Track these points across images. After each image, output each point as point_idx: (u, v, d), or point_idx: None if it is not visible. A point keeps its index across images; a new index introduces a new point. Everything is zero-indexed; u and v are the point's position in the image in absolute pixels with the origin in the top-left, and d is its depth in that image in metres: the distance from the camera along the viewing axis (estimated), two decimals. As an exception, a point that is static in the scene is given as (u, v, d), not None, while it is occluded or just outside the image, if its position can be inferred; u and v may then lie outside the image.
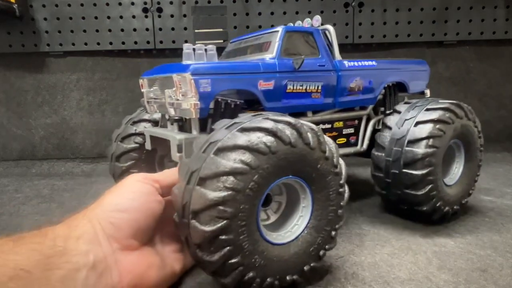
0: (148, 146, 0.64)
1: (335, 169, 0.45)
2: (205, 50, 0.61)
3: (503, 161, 0.75)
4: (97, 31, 1.24)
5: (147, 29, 1.24)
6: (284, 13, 1.24)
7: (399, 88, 0.76)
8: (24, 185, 0.98)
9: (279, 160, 0.40)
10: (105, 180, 1.01)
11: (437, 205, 0.61)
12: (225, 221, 0.37)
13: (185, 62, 0.59)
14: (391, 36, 1.26)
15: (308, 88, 0.61)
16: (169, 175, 0.45)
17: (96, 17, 1.23)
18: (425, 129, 0.60)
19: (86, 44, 1.25)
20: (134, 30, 1.24)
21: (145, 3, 1.22)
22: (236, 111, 0.55)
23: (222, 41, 1.23)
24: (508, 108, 1.34)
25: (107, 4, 1.22)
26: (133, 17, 1.24)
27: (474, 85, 1.34)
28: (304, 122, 0.44)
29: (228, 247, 0.37)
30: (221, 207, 0.37)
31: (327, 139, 0.46)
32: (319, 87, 0.63)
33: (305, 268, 0.44)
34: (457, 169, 0.67)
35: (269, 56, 0.60)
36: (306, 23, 0.70)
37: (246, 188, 0.38)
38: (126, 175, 0.66)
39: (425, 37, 1.27)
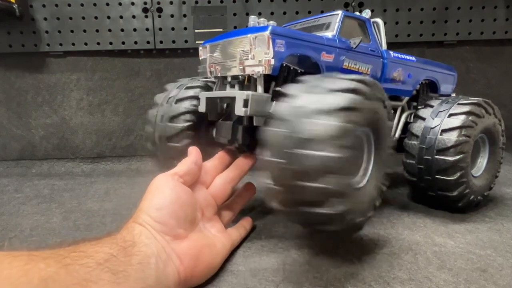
0: (202, 109, 0.64)
1: (390, 132, 0.52)
2: None
3: (503, 161, 0.75)
4: (97, 31, 1.24)
5: (147, 29, 1.24)
6: (284, 13, 1.24)
7: (430, 88, 0.82)
8: (24, 185, 0.98)
9: (369, 109, 0.46)
10: (105, 180, 1.01)
11: (465, 192, 0.64)
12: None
13: None
14: (391, 36, 1.26)
15: (360, 68, 0.66)
16: (182, 164, 0.51)
17: (96, 17, 1.23)
18: (458, 120, 0.64)
19: (86, 44, 1.25)
20: (134, 30, 1.24)
21: (145, 3, 1.22)
22: (297, 77, 0.58)
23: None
24: (508, 108, 1.33)
25: (107, 4, 1.22)
26: (133, 17, 1.24)
27: (474, 85, 1.34)
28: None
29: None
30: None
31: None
32: (369, 70, 0.67)
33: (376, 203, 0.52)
34: (481, 163, 0.71)
35: (330, 34, 0.64)
36: None
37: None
38: (182, 135, 0.66)
39: (425, 37, 1.27)
